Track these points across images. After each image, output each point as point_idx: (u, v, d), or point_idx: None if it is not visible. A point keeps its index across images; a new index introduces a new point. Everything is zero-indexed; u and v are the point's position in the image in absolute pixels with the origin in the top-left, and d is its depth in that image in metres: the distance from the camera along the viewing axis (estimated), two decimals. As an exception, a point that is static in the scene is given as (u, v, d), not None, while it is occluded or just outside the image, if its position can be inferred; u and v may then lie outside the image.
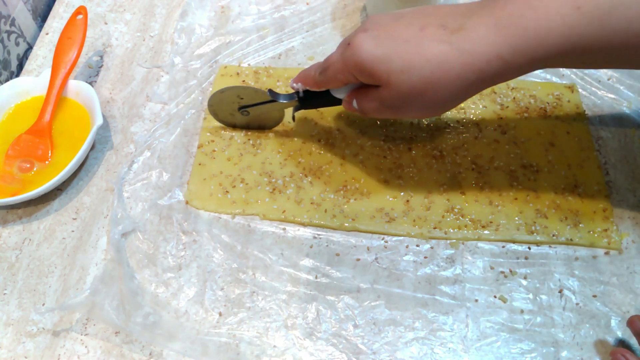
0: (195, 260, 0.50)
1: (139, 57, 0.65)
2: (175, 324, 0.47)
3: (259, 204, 0.53)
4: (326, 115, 0.59)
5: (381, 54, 0.41)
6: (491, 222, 0.52)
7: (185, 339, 0.46)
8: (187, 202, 0.54)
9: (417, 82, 0.41)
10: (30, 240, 0.52)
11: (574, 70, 0.62)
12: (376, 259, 0.50)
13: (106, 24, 0.68)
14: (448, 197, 0.53)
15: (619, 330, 0.46)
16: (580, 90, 0.61)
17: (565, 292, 0.48)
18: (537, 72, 0.62)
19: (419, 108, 0.44)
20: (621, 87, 0.61)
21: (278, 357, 0.45)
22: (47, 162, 0.55)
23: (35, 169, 0.55)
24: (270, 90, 0.53)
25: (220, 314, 0.48)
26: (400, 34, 0.42)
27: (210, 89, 0.61)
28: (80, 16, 0.60)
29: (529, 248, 0.51)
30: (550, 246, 0.51)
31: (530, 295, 0.48)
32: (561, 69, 0.62)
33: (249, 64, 0.63)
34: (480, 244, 0.51)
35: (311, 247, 0.51)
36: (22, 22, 0.67)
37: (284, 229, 0.52)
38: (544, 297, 0.48)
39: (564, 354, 0.45)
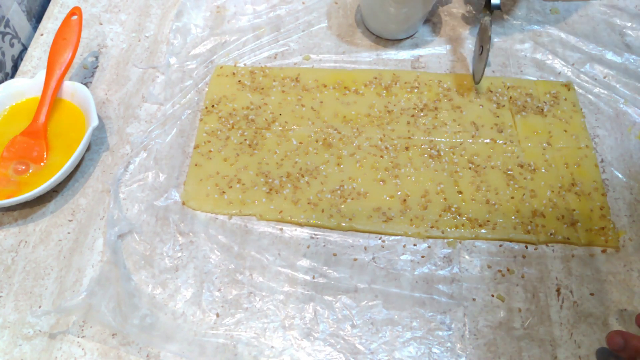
0: (192, 261, 0.50)
1: (135, 58, 0.64)
2: (173, 326, 0.47)
3: (255, 205, 0.53)
4: (323, 114, 0.58)
5: None
6: (488, 221, 0.52)
7: (183, 340, 0.46)
8: (183, 203, 0.54)
9: None
10: (26, 242, 0.52)
11: (571, 68, 0.62)
12: (373, 258, 0.50)
13: (101, 24, 0.68)
14: (445, 196, 0.53)
15: (616, 328, 0.46)
16: (576, 88, 0.61)
17: (563, 290, 0.48)
18: (533, 70, 0.62)
19: None
20: (617, 85, 0.61)
21: (276, 357, 0.45)
22: (42, 163, 0.55)
23: (30, 170, 0.54)
24: None
25: (217, 315, 0.47)
26: None
27: (206, 89, 0.61)
28: (75, 17, 0.60)
29: (526, 247, 0.51)
30: (547, 245, 0.51)
31: (528, 294, 0.48)
32: (557, 67, 0.62)
33: (245, 64, 0.63)
34: (478, 243, 0.51)
35: (308, 247, 0.51)
36: (17, 23, 0.67)
37: (281, 229, 0.52)
38: (541, 295, 0.48)
39: (561, 352, 0.45)
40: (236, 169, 0.55)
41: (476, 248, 0.51)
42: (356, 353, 0.46)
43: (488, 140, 0.57)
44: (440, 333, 0.46)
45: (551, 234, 0.51)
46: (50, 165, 0.55)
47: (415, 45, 0.65)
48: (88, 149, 0.57)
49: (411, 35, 0.65)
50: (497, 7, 0.61)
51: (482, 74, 0.59)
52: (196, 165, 0.56)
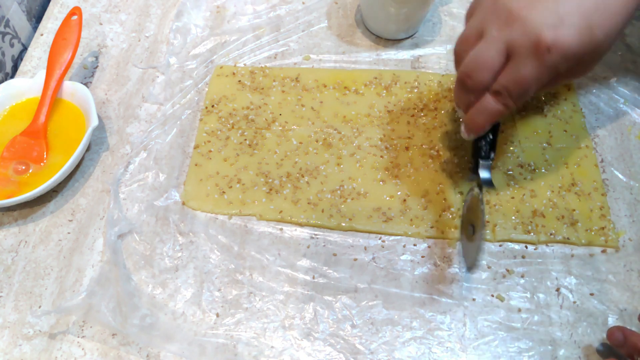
0: (192, 261, 0.50)
1: (135, 58, 0.64)
2: (173, 326, 0.47)
3: (255, 205, 0.53)
4: (323, 114, 0.58)
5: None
6: (488, 222, 0.51)
7: (183, 340, 0.46)
8: (183, 203, 0.54)
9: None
10: (26, 242, 0.52)
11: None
12: (373, 258, 0.50)
13: (101, 24, 0.68)
14: (445, 196, 0.53)
15: (616, 328, 0.46)
16: (576, 88, 0.61)
17: (563, 290, 0.48)
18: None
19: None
20: (617, 85, 0.61)
21: (276, 357, 0.45)
22: (42, 163, 0.55)
23: (30, 170, 0.54)
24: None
25: (217, 315, 0.47)
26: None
27: (206, 89, 0.61)
28: (75, 17, 0.60)
29: (526, 247, 0.51)
30: (547, 245, 0.51)
31: (528, 294, 0.48)
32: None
33: (244, 64, 0.63)
34: (478, 243, 0.51)
35: (308, 247, 0.51)
36: (17, 23, 0.67)
37: (281, 229, 0.52)
38: (541, 295, 0.48)
39: (561, 352, 0.45)
40: (236, 169, 0.55)
41: (476, 248, 0.51)
42: (356, 353, 0.46)
43: (488, 140, 0.57)
44: (440, 333, 0.46)
45: (551, 234, 0.51)
46: (50, 165, 0.55)
47: (415, 45, 0.65)
48: (88, 149, 0.57)
49: (411, 35, 0.65)
50: (488, 182, 0.48)
51: (477, 259, 0.48)
52: (196, 165, 0.56)
